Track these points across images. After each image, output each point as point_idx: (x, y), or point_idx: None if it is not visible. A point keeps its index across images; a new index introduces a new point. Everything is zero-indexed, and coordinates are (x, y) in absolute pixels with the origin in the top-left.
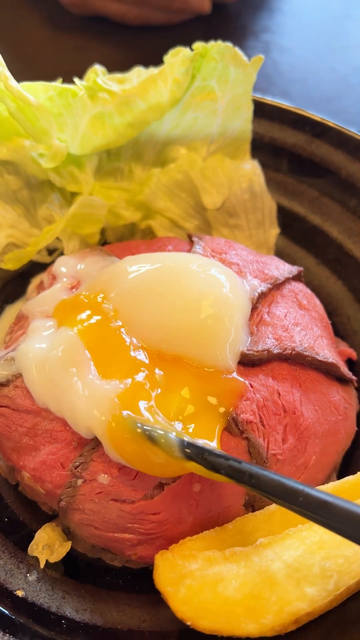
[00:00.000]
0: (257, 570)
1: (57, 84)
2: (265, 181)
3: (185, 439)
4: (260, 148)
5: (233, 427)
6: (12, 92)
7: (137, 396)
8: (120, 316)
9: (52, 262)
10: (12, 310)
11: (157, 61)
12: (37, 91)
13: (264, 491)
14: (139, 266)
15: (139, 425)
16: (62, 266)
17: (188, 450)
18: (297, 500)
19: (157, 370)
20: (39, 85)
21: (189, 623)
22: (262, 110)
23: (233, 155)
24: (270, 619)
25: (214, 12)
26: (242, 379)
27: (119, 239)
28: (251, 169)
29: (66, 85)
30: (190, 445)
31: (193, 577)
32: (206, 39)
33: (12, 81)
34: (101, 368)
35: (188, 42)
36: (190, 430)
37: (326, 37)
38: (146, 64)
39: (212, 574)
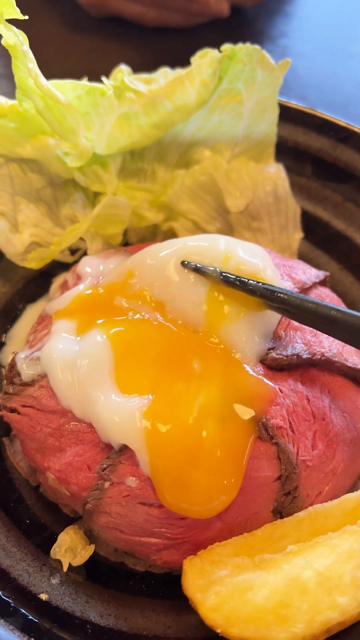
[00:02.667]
0: (287, 578)
1: (86, 82)
2: (289, 185)
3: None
4: (284, 152)
5: (263, 432)
6: (42, 89)
7: (168, 408)
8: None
9: (75, 262)
10: (33, 310)
11: (174, 63)
12: (65, 89)
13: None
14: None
15: (185, 263)
16: (87, 266)
17: (228, 276)
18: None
19: (196, 360)
20: (68, 84)
21: (219, 631)
22: (286, 114)
23: (257, 159)
24: (301, 628)
25: (231, 16)
26: (271, 384)
27: (141, 240)
28: (276, 172)
29: (94, 84)
30: (228, 274)
31: (222, 583)
32: (223, 42)
33: (41, 78)
34: (130, 377)
35: (205, 45)
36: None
37: (343, 43)
38: (164, 65)
39: (242, 580)
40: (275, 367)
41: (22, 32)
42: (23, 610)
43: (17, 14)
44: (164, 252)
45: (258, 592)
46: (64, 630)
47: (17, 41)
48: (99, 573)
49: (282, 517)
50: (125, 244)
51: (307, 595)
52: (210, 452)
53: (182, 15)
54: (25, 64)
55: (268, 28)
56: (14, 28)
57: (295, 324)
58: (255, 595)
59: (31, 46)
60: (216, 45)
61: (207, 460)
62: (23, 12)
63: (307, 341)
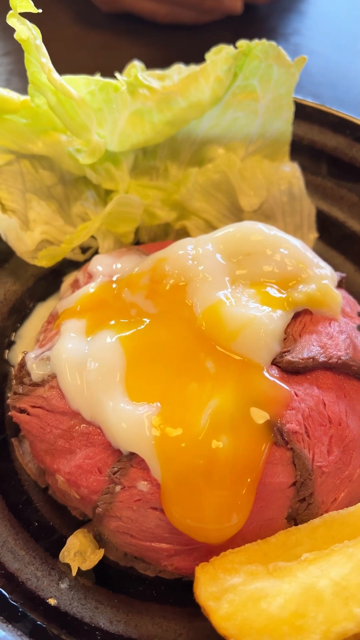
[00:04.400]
0: (302, 587)
1: (99, 77)
2: (304, 184)
3: None
4: (299, 150)
5: (278, 437)
6: (55, 84)
7: (180, 414)
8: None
9: (86, 260)
10: (43, 308)
11: (187, 61)
12: (78, 85)
13: None
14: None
15: None
16: (99, 265)
17: None
18: None
19: (208, 363)
20: (81, 79)
21: None
22: (301, 112)
23: (272, 157)
24: (317, 639)
25: (243, 13)
26: (287, 387)
27: (152, 239)
28: (291, 171)
29: (108, 80)
30: None
31: (236, 591)
32: (236, 40)
33: (54, 73)
34: (141, 382)
35: (217, 43)
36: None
37: (356, 40)
38: (175, 62)
39: (256, 589)
40: (291, 370)
41: (35, 26)
42: (31, 616)
43: (31, 8)
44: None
45: (272, 601)
46: (73, 636)
47: (31, 35)
48: (109, 578)
49: (296, 524)
50: (137, 242)
51: (323, 605)
52: (224, 462)
53: (195, 11)
54: (38, 59)
55: (281, 26)
56: (28, 22)
57: (311, 326)
58: (270, 605)
59: (43, 42)
60: (228, 42)
61: (220, 471)
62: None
63: (324, 344)
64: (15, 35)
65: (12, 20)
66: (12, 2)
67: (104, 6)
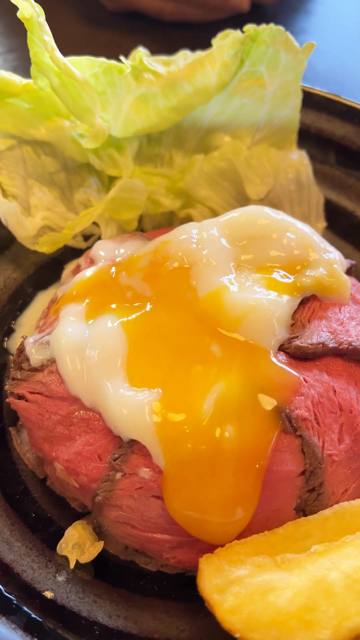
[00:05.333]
0: (312, 580)
1: (104, 59)
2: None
3: None
4: (307, 139)
5: (287, 424)
6: (58, 64)
7: (183, 399)
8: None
9: (88, 248)
10: (44, 297)
11: None
12: (82, 66)
13: None
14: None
15: None
16: (101, 250)
17: None
18: None
19: (213, 347)
20: (85, 60)
21: (237, 635)
22: (309, 100)
23: (279, 145)
24: (327, 635)
25: (250, 12)
26: (295, 373)
27: (156, 227)
28: (299, 159)
29: (112, 61)
30: None
31: (241, 584)
32: None
33: (57, 53)
34: (143, 368)
35: None
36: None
37: None
38: None
39: (263, 581)
40: (300, 356)
41: (38, 5)
42: (26, 609)
43: None
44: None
45: (280, 595)
46: (70, 630)
47: (34, 13)
48: (108, 572)
49: (305, 516)
50: (140, 231)
51: (334, 599)
52: (229, 448)
53: (201, 9)
54: (41, 37)
55: (288, 25)
56: (32, 0)
57: (321, 312)
58: (278, 598)
59: None
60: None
61: (225, 458)
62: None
63: (334, 330)
64: (18, 14)
65: None
66: None
67: (110, 4)
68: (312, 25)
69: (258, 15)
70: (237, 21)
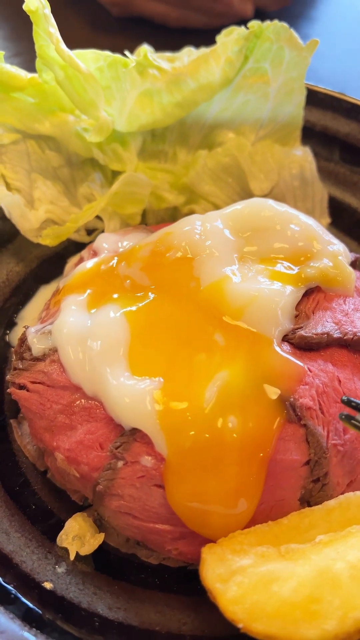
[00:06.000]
0: (317, 570)
1: (108, 53)
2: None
3: None
4: (312, 136)
5: (291, 412)
6: (63, 56)
7: (186, 388)
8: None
9: (91, 242)
10: (46, 291)
11: None
12: (87, 60)
13: None
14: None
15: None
16: (104, 242)
17: None
18: None
19: (216, 336)
20: (90, 54)
21: (240, 626)
22: (314, 98)
23: (283, 142)
24: (333, 625)
25: (254, 18)
26: (299, 363)
27: (159, 223)
28: (303, 155)
29: (117, 55)
30: None
31: (245, 573)
32: None
33: (63, 45)
34: (145, 357)
35: None
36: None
37: None
38: None
39: (266, 571)
40: (304, 346)
41: None
42: (24, 599)
43: None
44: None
45: (284, 585)
46: (69, 621)
47: (40, 5)
48: (109, 564)
49: (309, 506)
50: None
51: (340, 590)
52: (232, 436)
53: (206, 16)
54: (47, 29)
55: None
56: None
57: (325, 303)
58: (282, 588)
59: None
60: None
61: (228, 446)
62: None
63: (338, 320)
64: (24, 6)
65: None
66: None
67: (115, 10)
68: (315, 32)
69: (262, 21)
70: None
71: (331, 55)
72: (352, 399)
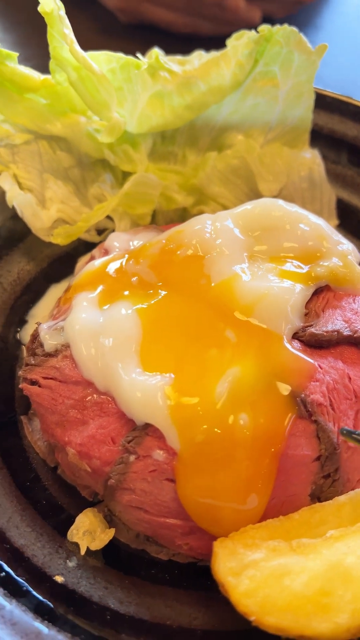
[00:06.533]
0: (328, 565)
1: (121, 55)
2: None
3: None
4: (319, 139)
5: (302, 408)
6: (77, 57)
7: (198, 383)
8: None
9: (101, 242)
10: (56, 289)
11: None
12: (99, 61)
13: None
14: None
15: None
16: (115, 241)
17: None
18: None
19: (227, 333)
20: (102, 55)
21: (252, 619)
22: (322, 102)
23: (291, 144)
24: (345, 619)
25: (261, 25)
26: (310, 359)
27: (169, 224)
28: (311, 158)
29: (130, 57)
30: None
31: (257, 567)
32: None
33: (77, 46)
34: (157, 353)
35: None
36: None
37: None
38: None
39: (278, 565)
40: (314, 343)
41: None
42: (36, 592)
43: None
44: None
45: (296, 578)
46: (81, 615)
47: (55, 7)
48: (119, 560)
49: (320, 502)
50: None
51: (351, 583)
52: (244, 431)
53: (213, 23)
54: (61, 31)
55: None
56: None
57: (335, 302)
58: (293, 582)
59: None
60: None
61: (239, 441)
62: None
63: (348, 319)
64: (39, 8)
65: None
66: None
67: (123, 16)
68: (320, 40)
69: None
70: None
71: (335, 63)
72: (352, 430)
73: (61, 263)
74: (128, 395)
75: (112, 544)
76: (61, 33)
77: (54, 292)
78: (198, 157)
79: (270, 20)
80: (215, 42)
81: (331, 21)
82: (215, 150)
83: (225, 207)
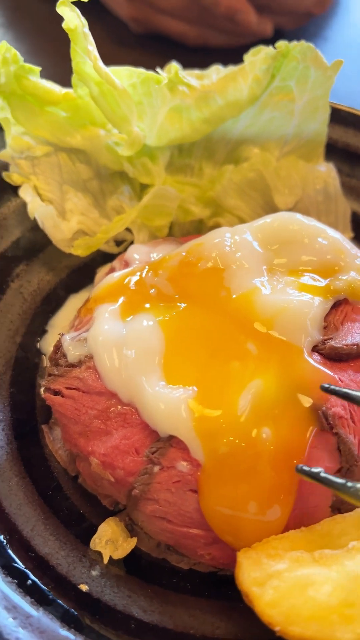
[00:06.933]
0: (351, 576)
1: (142, 70)
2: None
3: None
4: (334, 153)
5: (323, 421)
6: (100, 73)
7: (221, 396)
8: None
9: (119, 253)
10: (76, 299)
11: None
12: (121, 76)
13: None
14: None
15: None
16: (135, 253)
17: None
18: None
19: (248, 345)
20: (124, 70)
21: (277, 629)
22: (337, 116)
23: (307, 158)
24: None
25: (271, 37)
26: (330, 373)
27: (185, 235)
28: (326, 171)
29: (150, 72)
30: None
31: (280, 578)
32: None
33: (100, 62)
34: (180, 365)
35: None
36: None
37: None
38: None
39: (302, 575)
40: (334, 356)
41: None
42: (61, 601)
43: None
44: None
45: (320, 589)
46: (106, 624)
47: (79, 23)
48: (140, 569)
49: (340, 513)
50: None
51: None
52: (267, 444)
53: (225, 35)
54: (85, 47)
55: None
56: (77, 10)
57: (353, 315)
58: (317, 592)
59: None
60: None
61: (263, 453)
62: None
63: None
64: (63, 25)
65: (63, 8)
66: None
67: (134, 25)
68: (329, 51)
69: (278, 40)
70: (258, 46)
71: (343, 74)
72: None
73: (80, 273)
74: (152, 408)
75: (133, 552)
76: (85, 49)
77: (73, 302)
78: (214, 169)
79: (280, 31)
80: (226, 53)
81: (340, 33)
82: (231, 163)
83: (241, 220)
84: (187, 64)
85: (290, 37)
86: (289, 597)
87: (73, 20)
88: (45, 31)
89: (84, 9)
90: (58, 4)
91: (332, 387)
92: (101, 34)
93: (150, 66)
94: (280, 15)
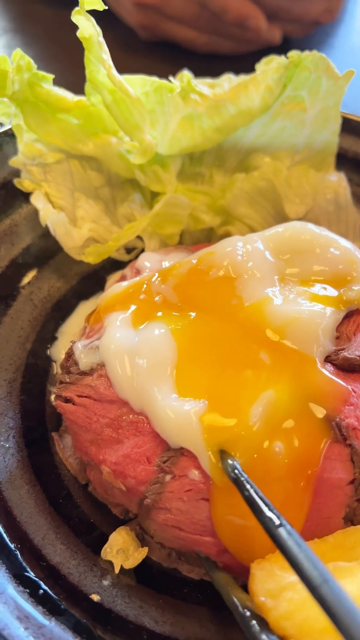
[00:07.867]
0: None
1: (155, 78)
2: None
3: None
4: (344, 163)
5: (337, 432)
6: (114, 81)
7: (233, 408)
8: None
9: (130, 260)
10: (86, 307)
11: None
12: (134, 84)
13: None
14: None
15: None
16: (146, 260)
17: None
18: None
19: (260, 355)
20: (137, 79)
21: None
22: (347, 125)
23: (318, 167)
24: None
25: (280, 45)
26: (344, 383)
27: (195, 243)
28: (337, 181)
29: (164, 81)
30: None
31: (294, 590)
32: None
33: (114, 70)
34: (192, 376)
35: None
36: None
37: None
38: None
39: None
40: (347, 367)
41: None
42: (73, 611)
43: (99, 4)
44: (250, 236)
45: None
46: (119, 635)
47: (94, 32)
48: (151, 578)
49: (353, 525)
50: None
51: None
52: (281, 456)
53: (234, 42)
54: (100, 56)
55: None
56: (92, 19)
57: None
58: None
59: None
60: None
61: (276, 465)
62: (72, 33)
63: None
64: (77, 33)
65: (77, 17)
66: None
67: (143, 32)
68: (336, 59)
69: (287, 48)
70: (266, 53)
71: (351, 82)
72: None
73: (90, 280)
74: (163, 420)
75: (144, 562)
76: (99, 58)
77: (84, 309)
78: (225, 178)
79: (287, 39)
80: (235, 60)
81: (347, 40)
82: (242, 171)
83: (251, 228)
84: (195, 71)
85: (297, 44)
86: (303, 609)
87: (88, 29)
88: (54, 37)
89: (93, 16)
90: (73, 12)
91: None
92: (110, 41)
93: (159, 73)
94: (289, 23)
